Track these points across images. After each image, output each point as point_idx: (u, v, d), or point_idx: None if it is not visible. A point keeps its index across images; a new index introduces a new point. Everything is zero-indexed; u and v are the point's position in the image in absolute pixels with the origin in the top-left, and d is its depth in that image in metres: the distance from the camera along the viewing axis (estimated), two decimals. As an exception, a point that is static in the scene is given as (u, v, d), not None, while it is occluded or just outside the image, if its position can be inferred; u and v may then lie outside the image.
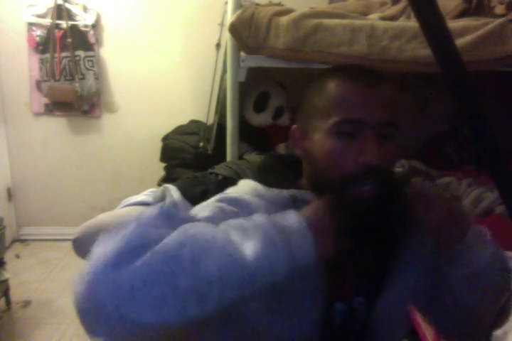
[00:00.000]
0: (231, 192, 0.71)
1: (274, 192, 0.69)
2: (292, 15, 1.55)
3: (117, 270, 0.49)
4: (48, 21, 2.52)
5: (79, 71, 2.58)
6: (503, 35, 1.49)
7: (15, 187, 2.86)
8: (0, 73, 2.66)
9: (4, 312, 2.09)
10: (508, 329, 1.12)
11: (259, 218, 0.57)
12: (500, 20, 1.50)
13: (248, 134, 2.04)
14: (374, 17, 1.75)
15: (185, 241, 0.52)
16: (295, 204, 0.67)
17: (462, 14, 1.71)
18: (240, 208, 0.65)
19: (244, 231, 0.55)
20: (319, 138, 0.67)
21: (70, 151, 2.82)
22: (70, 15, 2.52)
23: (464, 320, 0.74)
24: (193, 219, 0.60)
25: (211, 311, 0.52)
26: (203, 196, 0.78)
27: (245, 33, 1.54)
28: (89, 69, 2.59)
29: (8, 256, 2.50)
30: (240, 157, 1.83)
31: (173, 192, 0.95)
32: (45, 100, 2.66)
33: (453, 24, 1.54)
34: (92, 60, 2.60)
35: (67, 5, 2.49)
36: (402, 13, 1.79)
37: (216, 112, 2.12)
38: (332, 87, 0.67)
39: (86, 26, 2.56)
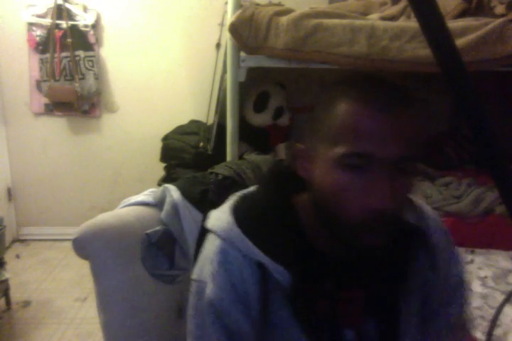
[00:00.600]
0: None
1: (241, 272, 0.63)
2: (292, 15, 1.55)
3: None
4: (48, 21, 2.52)
5: (79, 71, 2.58)
6: (503, 35, 1.49)
7: (15, 187, 2.86)
8: (0, 73, 2.66)
9: (4, 312, 2.09)
10: (508, 329, 1.12)
11: None
12: (500, 20, 1.50)
13: (248, 134, 2.04)
14: (374, 17, 1.75)
15: None
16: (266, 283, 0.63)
17: (462, 14, 1.72)
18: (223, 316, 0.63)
19: None
20: (324, 168, 0.59)
21: (70, 151, 2.82)
22: (70, 15, 2.52)
23: None
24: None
25: None
26: (203, 196, 0.78)
27: (245, 33, 1.54)
28: (89, 69, 2.59)
29: (8, 256, 2.50)
30: (240, 157, 1.83)
31: (173, 192, 0.95)
32: (45, 100, 2.66)
33: (453, 24, 1.54)
34: (92, 60, 2.60)
35: (67, 5, 2.49)
36: (402, 13, 1.79)
37: (216, 112, 2.12)
38: (342, 109, 0.57)
39: (86, 26, 2.56)
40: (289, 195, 0.70)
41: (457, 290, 0.73)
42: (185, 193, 0.95)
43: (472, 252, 1.58)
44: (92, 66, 2.60)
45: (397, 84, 0.60)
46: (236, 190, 0.74)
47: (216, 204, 0.72)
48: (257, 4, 1.83)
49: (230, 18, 1.58)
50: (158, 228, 0.90)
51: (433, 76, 2.30)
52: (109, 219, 0.88)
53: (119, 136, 2.80)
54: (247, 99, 2.18)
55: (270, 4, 2.00)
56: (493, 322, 0.67)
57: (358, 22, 1.55)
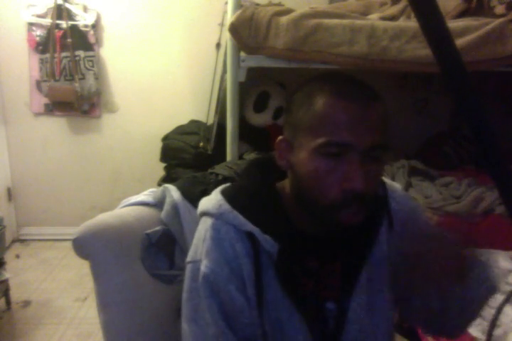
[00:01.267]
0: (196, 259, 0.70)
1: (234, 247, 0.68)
2: (292, 15, 1.55)
3: None
4: (48, 21, 2.52)
5: (79, 71, 2.58)
6: (503, 35, 1.49)
7: (15, 187, 2.86)
8: (0, 73, 2.66)
9: (4, 312, 2.09)
10: (508, 329, 1.12)
11: None
12: (501, 20, 1.50)
13: (248, 134, 2.04)
14: (374, 17, 1.75)
15: None
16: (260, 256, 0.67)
17: (462, 14, 1.72)
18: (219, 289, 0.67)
19: None
20: (304, 157, 0.65)
21: (70, 151, 2.82)
22: (70, 15, 2.52)
23: (430, 318, 0.76)
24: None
25: None
26: (203, 196, 0.78)
27: (245, 33, 1.54)
28: (89, 69, 2.59)
29: (8, 256, 2.51)
30: (240, 157, 1.83)
31: (173, 192, 0.95)
32: (45, 100, 2.66)
33: (453, 24, 1.54)
34: (92, 60, 2.60)
35: (67, 5, 2.49)
36: (402, 13, 1.79)
37: (216, 112, 2.12)
38: (319, 103, 0.63)
39: (86, 26, 2.56)
40: (271, 181, 0.75)
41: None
42: (185, 193, 0.95)
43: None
44: (92, 66, 2.60)
45: (363, 80, 0.66)
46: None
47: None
48: (257, 4, 1.83)
49: (230, 18, 1.58)
50: (158, 228, 0.90)
51: (433, 76, 2.31)
52: (109, 219, 0.88)
53: (119, 136, 2.80)
54: (247, 99, 2.18)
55: (270, 4, 2.01)
56: (493, 322, 0.68)
57: (358, 22, 1.55)
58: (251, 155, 2.01)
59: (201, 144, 2.22)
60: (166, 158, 2.35)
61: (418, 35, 1.49)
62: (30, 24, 2.55)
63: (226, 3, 1.73)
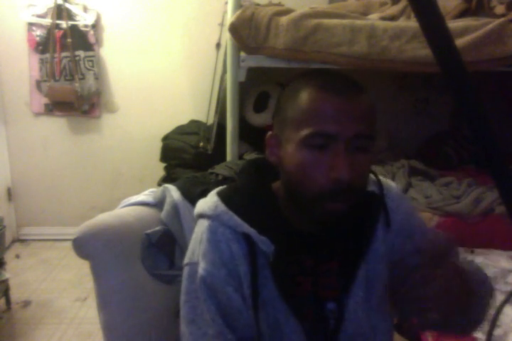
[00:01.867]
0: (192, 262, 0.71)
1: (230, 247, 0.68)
2: (292, 15, 1.55)
3: None
4: (48, 21, 2.52)
5: (79, 71, 2.58)
6: (503, 35, 1.50)
7: (15, 187, 2.86)
8: (0, 73, 2.66)
9: (4, 312, 2.09)
10: (508, 329, 1.12)
11: None
12: (501, 20, 1.50)
13: (248, 134, 2.04)
14: (374, 17, 1.75)
15: None
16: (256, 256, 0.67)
17: (462, 14, 1.72)
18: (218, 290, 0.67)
19: None
20: (291, 150, 0.66)
21: (70, 151, 2.82)
22: (70, 15, 2.52)
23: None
24: None
25: None
26: (203, 196, 0.78)
27: (245, 33, 1.54)
28: (89, 69, 2.59)
29: (8, 256, 2.51)
30: (240, 157, 1.83)
31: (173, 192, 0.95)
32: (45, 100, 2.66)
33: (453, 24, 1.54)
34: (92, 60, 2.60)
35: (67, 5, 2.49)
36: (402, 13, 1.79)
37: (216, 112, 2.12)
38: (304, 97, 0.65)
39: (86, 26, 2.56)
40: (267, 181, 0.76)
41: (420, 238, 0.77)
42: (185, 193, 0.94)
43: (472, 252, 1.58)
44: (92, 66, 2.60)
45: (348, 75, 0.68)
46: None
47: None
48: (257, 4, 1.83)
49: (230, 18, 1.58)
50: (158, 228, 0.90)
51: (433, 76, 2.31)
52: (109, 219, 0.88)
53: (119, 136, 2.80)
54: (247, 99, 2.18)
55: (270, 4, 2.01)
56: (493, 322, 0.67)
57: (358, 22, 1.55)
58: (251, 155, 2.01)
59: (201, 144, 2.22)
60: (166, 158, 2.35)
61: (418, 35, 1.49)
62: (30, 24, 2.55)
63: (226, 3, 1.74)
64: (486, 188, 1.80)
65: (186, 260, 0.72)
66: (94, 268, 0.83)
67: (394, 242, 0.77)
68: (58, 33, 2.52)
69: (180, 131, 2.42)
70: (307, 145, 0.64)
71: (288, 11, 1.60)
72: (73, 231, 0.83)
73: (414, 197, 1.78)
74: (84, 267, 0.88)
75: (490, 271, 1.45)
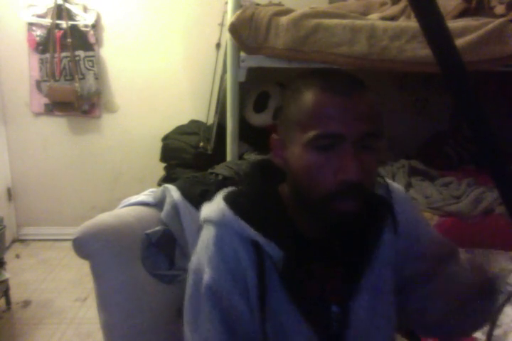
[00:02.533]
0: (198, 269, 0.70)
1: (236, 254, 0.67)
2: (292, 15, 1.55)
3: None
4: (48, 21, 2.52)
5: (79, 71, 2.58)
6: (503, 35, 1.50)
7: (15, 187, 2.86)
8: (0, 73, 2.66)
9: (4, 312, 2.09)
10: (508, 329, 1.12)
11: None
12: (501, 20, 1.50)
13: (248, 134, 2.04)
14: (374, 17, 1.75)
15: None
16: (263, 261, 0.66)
17: (462, 14, 1.72)
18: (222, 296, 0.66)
19: None
20: (297, 152, 0.65)
21: (70, 151, 2.82)
22: (70, 15, 2.52)
23: (439, 326, 0.76)
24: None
25: None
26: (203, 196, 0.78)
27: (245, 33, 1.55)
28: (89, 69, 2.59)
29: (8, 256, 2.50)
30: (240, 157, 1.83)
31: (173, 192, 0.95)
32: (45, 100, 2.65)
33: (453, 24, 1.54)
34: (92, 60, 2.59)
35: (67, 5, 2.48)
36: (402, 13, 1.79)
37: (216, 112, 2.12)
38: (308, 98, 0.64)
39: (86, 26, 2.55)
40: (274, 185, 0.75)
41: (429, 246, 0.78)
42: (185, 193, 0.94)
43: (472, 252, 1.58)
44: (92, 66, 2.60)
45: (348, 73, 0.67)
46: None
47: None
48: (257, 4, 1.83)
49: (230, 18, 1.58)
50: (158, 228, 0.90)
51: (433, 76, 2.31)
52: (108, 219, 0.87)
53: (119, 136, 2.80)
54: (247, 99, 2.18)
55: (270, 4, 2.01)
56: (493, 322, 0.67)
57: (358, 22, 1.55)
58: (251, 156, 2.01)
59: (201, 144, 2.22)
60: (166, 158, 2.35)
61: (418, 35, 1.49)
62: (30, 24, 2.55)
63: (226, 3, 1.74)
64: (486, 188, 1.80)
65: (192, 265, 0.71)
66: (94, 268, 0.83)
67: (400, 246, 0.76)
68: (58, 33, 2.52)
69: (180, 131, 2.42)
70: (314, 146, 0.63)
71: (288, 11, 1.60)
72: (73, 231, 0.83)
73: (414, 197, 1.78)
74: (84, 267, 0.88)
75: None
